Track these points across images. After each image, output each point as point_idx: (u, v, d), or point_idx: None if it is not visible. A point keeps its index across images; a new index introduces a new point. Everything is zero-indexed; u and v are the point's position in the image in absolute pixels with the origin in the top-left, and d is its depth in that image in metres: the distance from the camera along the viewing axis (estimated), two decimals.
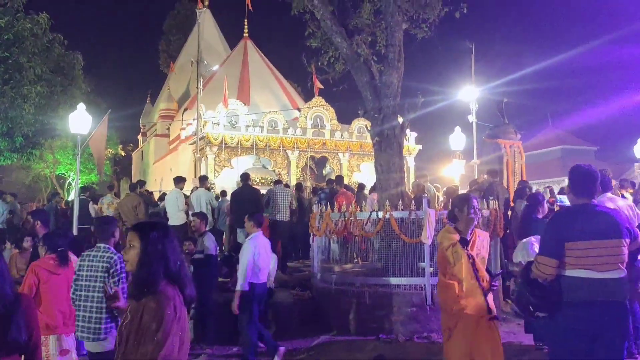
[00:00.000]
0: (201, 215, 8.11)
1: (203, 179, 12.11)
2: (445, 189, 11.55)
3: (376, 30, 9.33)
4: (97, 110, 11.84)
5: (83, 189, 11.84)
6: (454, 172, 17.28)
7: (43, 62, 12.53)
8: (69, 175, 24.69)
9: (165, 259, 2.74)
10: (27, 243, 8.13)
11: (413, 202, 8.18)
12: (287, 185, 13.19)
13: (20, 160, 14.61)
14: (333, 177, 18.03)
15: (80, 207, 10.76)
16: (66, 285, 5.03)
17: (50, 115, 12.79)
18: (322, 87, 20.38)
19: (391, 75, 8.79)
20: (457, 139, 16.34)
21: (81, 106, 11.49)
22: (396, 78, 8.85)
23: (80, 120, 11.42)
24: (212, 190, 13.45)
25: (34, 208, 12.86)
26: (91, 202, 11.85)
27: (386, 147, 8.85)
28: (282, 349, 6.65)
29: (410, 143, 22.02)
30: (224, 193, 13.19)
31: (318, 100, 21.76)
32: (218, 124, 20.33)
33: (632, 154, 17.86)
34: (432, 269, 7.42)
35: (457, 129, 16.20)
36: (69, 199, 17.07)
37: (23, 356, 3.08)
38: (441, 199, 10.65)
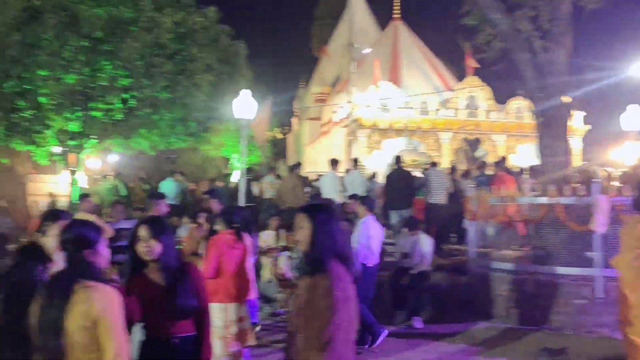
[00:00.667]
0: (356, 197, 8.31)
1: (356, 162, 12.35)
2: (621, 173, 10.55)
3: (539, 4, 8.71)
4: (258, 95, 12.55)
5: (247, 170, 12.69)
6: (626, 155, 15.69)
7: (212, 52, 13.62)
8: (232, 157, 26.56)
9: (333, 239, 2.87)
10: (201, 219, 8.96)
11: (580, 186, 7.61)
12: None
13: (193, 144, 16.08)
14: (486, 160, 17.39)
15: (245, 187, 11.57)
16: (242, 258, 5.49)
17: (218, 101, 13.86)
18: (477, 66, 19.59)
19: (556, 52, 8.19)
20: (630, 119, 14.79)
21: (245, 92, 12.28)
22: (562, 54, 8.24)
23: (244, 106, 12.23)
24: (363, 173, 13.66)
25: (206, 187, 14.06)
26: (254, 182, 12.67)
27: (550, 128, 8.32)
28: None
29: (578, 123, 20.37)
30: (374, 175, 13.34)
31: (472, 79, 20.97)
32: (369, 107, 20.51)
33: None
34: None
35: (631, 107, 14.63)
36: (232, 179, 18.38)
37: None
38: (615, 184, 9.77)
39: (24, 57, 11.71)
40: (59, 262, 2.89)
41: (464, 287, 8.53)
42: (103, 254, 2.95)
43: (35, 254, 3.41)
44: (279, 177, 13.14)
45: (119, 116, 12.73)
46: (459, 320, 7.69)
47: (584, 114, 20.45)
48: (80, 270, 2.77)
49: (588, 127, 20.81)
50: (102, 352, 2.70)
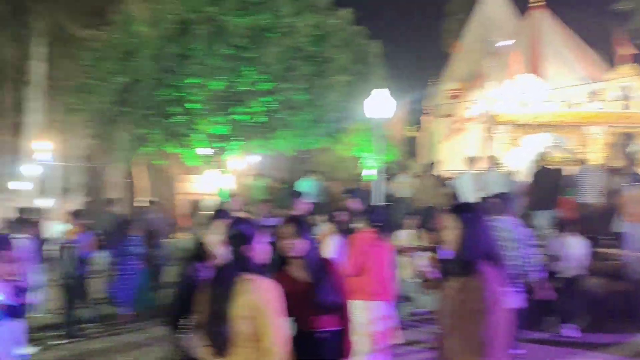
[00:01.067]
0: (502, 196, 7.92)
1: (494, 160, 11.86)
2: None
3: None
4: (391, 95, 12.52)
5: (384, 170, 12.71)
6: None
7: (347, 53, 13.84)
8: (363, 156, 26.77)
9: (483, 239, 2.78)
10: (340, 217, 9.12)
11: None
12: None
13: (328, 144, 16.46)
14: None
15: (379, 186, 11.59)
16: (384, 257, 5.49)
17: (352, 102, 14.05)
18: (631, 52, 17.88)
19: None
20: None
21: (378, 91, 12.30)
22: None
23: (377, 105, 12.25)
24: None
25: (340, 187, 14.28)
26: (387, 181, 12.65)
27: None
28: None
29: None
30: (514, 174, 12.71)
31: (624, 68, 19.17)
32: (507, 101, 19.56)
33: None
34: None
35: None
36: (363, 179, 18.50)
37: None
38: None
39: (176, 67, 12.73)
40: (221, 257, 3.08)
41: (621, 294, 7.84)
42: (260, 250, 3.10)
43: (197, 252, 3.73)
44: (413, 175, 13.01)
45: (261, 119, 13.40)
46: (615, 331, 7.13)
47: None
48: (241, 264, 2.94)
49: None
50: (263, 342, 2.83)
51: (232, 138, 13.88)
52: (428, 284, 7.62)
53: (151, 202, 13.95)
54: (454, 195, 10.89)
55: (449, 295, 2.86)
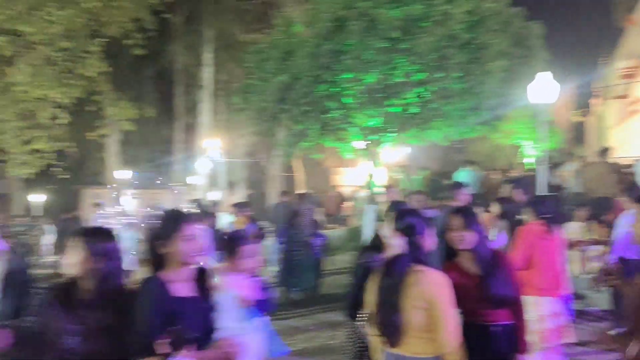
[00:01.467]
0: None
1: None
2: None
3: None
4: (556, 77, 11.68)
5: (548, 158, 11.96)
6: None
7: (504, 38, 13.16)
8: (523, 144, 25.35)
9: None
10: (495, 208, 8.74)
11: None
12: None
13: (485, 132, 15.85)
14: None
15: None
16: (554, 251, 5.18)
17: (512, 87, 13.36)
18: None
19: None
20: None
21: (542, 75, 11.56)
22: None
23: (541, 90, 11.53)
24: None
25: (499, 176, 13.70)
26: (551, 170, 11.87)
27: None
28: None
29: None
30: None
31: None
32: None
33: None
34: None
35: None
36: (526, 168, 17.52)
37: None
38: None
39: (332, 63, 13.10)
40: (394, 248, 3.15)
41: None
42: (429, 241, 3.12)
43: (375, 243, 3.85)
44: (581, 163, 12.05)
45: (415, 110, 13.29)
46: None
47: None
48: (413, 255, 2.98)
49: None
50: (435, 333, 2.85)
51: (386, 130, 13.96)
52: (608, 279, 7.08)
53: (302, 194, 14.57)
54: (633, 184, 9.90)
55: (633, 293, 2.65)
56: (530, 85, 11.78)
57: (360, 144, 14.77)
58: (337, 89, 13.37)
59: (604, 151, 11.60)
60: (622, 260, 6.19)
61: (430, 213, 7.21)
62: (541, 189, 10.84)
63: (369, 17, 12.71)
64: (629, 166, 12.08)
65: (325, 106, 13.73)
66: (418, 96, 13.10)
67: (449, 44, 12.79)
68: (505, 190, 8.97)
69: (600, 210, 9.89)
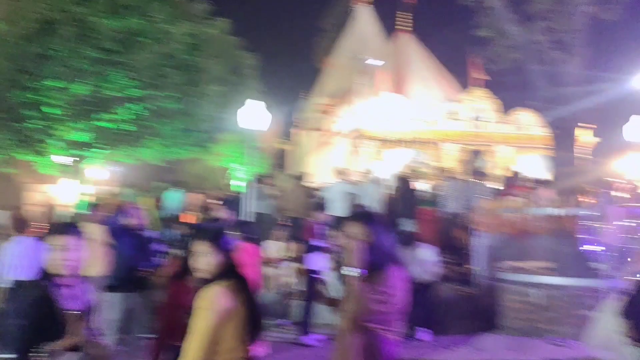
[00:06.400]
0: (364, 208, 8.39)
1: (368, 172, 12.40)
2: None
3: (555, 16, 8.81)
4: (266, 106, 12.66)
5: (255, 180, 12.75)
6: (630, 167, 15.76)
7: (221, 64, 13.75)
8: (232, 167, 26.58)
9: (388, 244, 2.91)
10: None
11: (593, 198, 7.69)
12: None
13: (199, 154, 16.17)
14: (485, 171, 17.41)
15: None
16: (254, 268, 5.54)
17: (225, 112, 13.95)
18: (483, 77, 19.76)
19: (571, 63, 8.32)
20: (633, 130, 14.85)
21: (253, 103, 12.36)
22: (576, 66, 8.37)
23: (250, 116, 12.30)
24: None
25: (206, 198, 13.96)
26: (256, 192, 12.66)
27: (563, 140, 8.43)
28: None
29: (587, 136, 20.38)
30: (381, 186, 13.36)
31: (477, 91, 21.10)
32: (373, 118, 20.63)
33: None
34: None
35: (635, 118, 14.69)
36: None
37: None
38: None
39: (34, 68, 11.80)
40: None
41: (471, 298, 8.57)
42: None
43: None
44: (280, 186, 13.15)
45: (128, 127, 12.82)
46: (466, 332, 7.70)
47: (595, 127, 20.39)
48: None
49: (597, 139, 20.77)
50: None
51: (94, 146, 13.10)
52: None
53: None
54: (322, 206, 11.23)
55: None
56: (241, 110, 12.44)
57: (63, 159, 13.53)
58: (39, 97, 12.07)
59: (299, 176, 12.92)
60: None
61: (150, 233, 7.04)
62: (248, 210, 11.51)
63: (83, 24, 11.87)
64: (319, 190, 13.64)
65: (22, 114, 12.24)
66: (132, 113, 12.68)
67: (167, 62, 12.76)
68: (215, 211, 9.26)
69: (297, 230, 10.94)
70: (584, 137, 19.81)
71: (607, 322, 4.76)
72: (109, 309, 5.47)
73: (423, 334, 7.58)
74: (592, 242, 7.08)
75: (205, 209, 12.34)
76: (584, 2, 8.32)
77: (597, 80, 9.23)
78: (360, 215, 3.06)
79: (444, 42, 27.14)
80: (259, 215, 11.12)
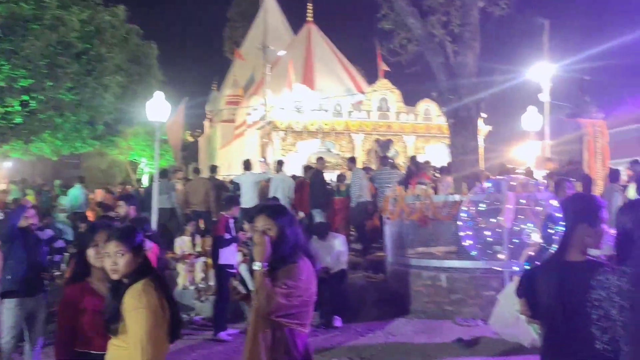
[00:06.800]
0: (275, 200, 8.33)
1: (281, 164, 12.28)
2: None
3: (450, 10, 9.15)
4: (171, 97, 12.18)
5: (161, 174, 12.28)
6: (527, 154, 16.77)
7: (121, 52, 13.09)
8: (141, 161, 25.66)
9: (298, 236, 2.84)
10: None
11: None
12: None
13: (100, 148, 15.38)
14: (397, 160, 17.93)
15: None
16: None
17: (129, 104, 13.35)
18: (388, 69, 20.21)
19: (466, 55, 8.67)
20: (530, 119, 15.79)
21: (158, 94, 11.88)
22: (471, 58, 8.72)
23: (157, 108, 11.81)
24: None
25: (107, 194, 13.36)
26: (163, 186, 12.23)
27: (461, 128, 8.77)
28: None
29: (480, 124, 21.47)
30: (292, 177, 13.36)
31: (383, 82, 21.59)
32: (283, 109, 20.57)
33: None
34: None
35: (531, 108, 15.62)
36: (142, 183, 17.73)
37: None
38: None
39: None
40: None
41: (382, 284, 8.74)
42: None
43: None
44: (187, 180, 12.80)
45: (19, 119, 11.90)
46: (377, 318, 7.83)
47: (485, 115, 21.56)
48: None
49: (489, 127, 22.00)
50: None
51: None
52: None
53: None
54: (234, 199, 11.02)
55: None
56: (148, 103, 11.92)
57: None
58: None
59: (211, 169, 12.61)
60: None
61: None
62: (153, 206, 11.05)
63: None
64: (230, 182, 13.40)
65: None
66: (23, 105, 11.78)
67: (61, 51, 11.94)
68: (120, 208, 8.82)
69: (205, 224, 10.68)
70: (479, 125, 20.86)
71: (508, 302, 4.98)
72: (5, 315, 5.14)
73: (336, 322, 7.63)
74: (491, 228, 7.39)
75: (103, 205, 11.76)
76: None
77: (495, 72, 9.67)
78: (267, 208, 2.95)
79: (350, 33, 27.60)
80: (165, 211, 10.73)
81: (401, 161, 19.24)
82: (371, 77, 23.88)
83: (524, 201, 6.88)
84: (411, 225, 8.88)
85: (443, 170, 11.45)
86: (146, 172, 21.25)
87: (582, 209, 2.62)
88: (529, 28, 18.46)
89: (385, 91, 21.43)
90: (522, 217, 6.75)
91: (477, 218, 7.07)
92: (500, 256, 7.29)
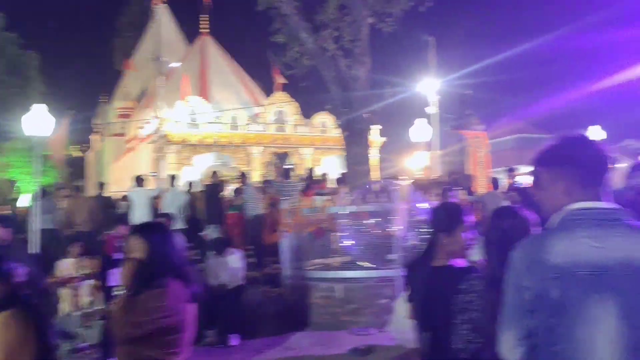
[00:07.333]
0: (168, 216, 8.05)
1: (174, 178, 11.91)
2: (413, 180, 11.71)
3: (342, 25, 9.37)
4: (54, 111, 11.45)
5: (44, 192, 11.46)
6: (417, 164, 17.52)
7: None
8: (18, 179, 23.87)
9: (171, 256, 2.67)
10: None
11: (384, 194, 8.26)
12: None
13: None
14: (294, 172, 18.01)
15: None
16: None
17: (6, 117, 12.36)
18: (285, 82, 20.33)
19: (358, 69, 8.90)
20: (419, 131, 16.53)
21: (38, 107, 11.13)
22: (363, 72, 8.96)
23: (37, 122, 11.07)
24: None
25: None
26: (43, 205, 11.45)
27: (355, 140, 8.97)
28: None
29: (375, 136, 22.16)
30: (186, 192, 12.99)
31: (280, 95, 21.69)
32: (177, 122, 20.02)
33: None
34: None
35: (419, 120, 16.38)
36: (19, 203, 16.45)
37: None
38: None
39: None
40: None
41: (280, 299, 8.65)
42: None
43: None
44: (64, 198, 12.01)
45: None
46: (275, 333, 7.75)
47: (380, 127, 22.30)
48: None
49: (384, 139, 22.75)
50: None
51: None
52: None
53: None
54: (123, 217, 10.50)
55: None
56: (26, 116, 11.14)
57: None
58: None
59: (78, 187, 11.91)
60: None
61: None
62: (37, 225, 10.29)
63: None
64: (121, 199, 12.75)
65: None
66: None
67: None
68: None
69: (91, 244, 10.04)
70: (373, 137, 21.57)
71: (401, 308, 5.11)
72: None
73: (233, 340, 7.45)
74: (387, 235, 7.59)
75: None
76: (366, 14, 8.98)
77: (386, 85, 10.02)
78: (140, 227, 2.79)
79: (245, 45, 27.51)
80: (47, 232, 10.00)
81: (299, 173, 19.37)
82: (269, 90, 23.90)
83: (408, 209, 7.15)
84: (308, 237, 8.91)
85: (339, 181, 11.61)
86: (26, 190, 19.74)
87: (441, 218, 2.79)
88: (417, 45, 19.38)
89: (282, 103, 21.53)
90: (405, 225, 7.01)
91: (361, 226, 7.24)
92: (391, 263, 7.49)
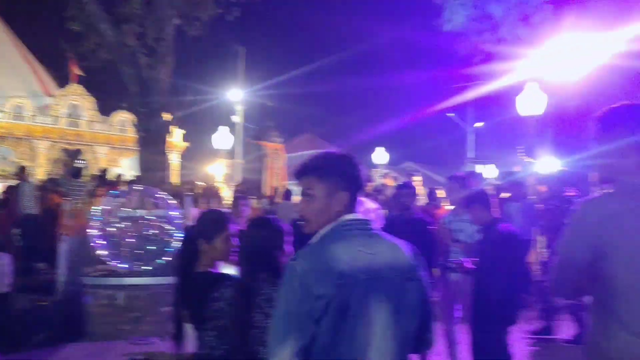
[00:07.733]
0: None
1: None
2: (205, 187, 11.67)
3: (146, 22, 8.96)
4: None
5: None
6: (218, 172, 17.50)
7: None
8: None
9: None
10: None
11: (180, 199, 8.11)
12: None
13: None
14: (86, 172, 16.76)
15: None
16: None
17: None
18: (81, 74, 18.88)
19: (160, 70, 8.61)
20: (221, 139, 16.57)
21: None
22: (165, 74, 8.70)
23: None
24: None
25: None
26: None
27: (151, 144, 8.64)
28: None
29: (177, 140, 21.65)
30: None
31: (75, 87, 20.07)
32: None
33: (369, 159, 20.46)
34: None
35: (222, 128, 16.43)
36: None
37: None
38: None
39: None
40: None
41: (54, 307, 7.95)
42: None
43: None
44: None
45: None
46: (47, 345, 7.12)
47: (184, 131, 21.92)
48: None
49: (187, 144, 22.39)
50: None
51: None
52: None
53: None
54: None
55: None
56: None
57: None
58: None
59: None
60: None
61: None
62: None
63: None
64: None
65: None
66: None
67: None
68: None
69: None
70: (176, 140, 21.14)
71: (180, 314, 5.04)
72: None
73: None
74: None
75: None
76: (172, 14, 8.75)
77: (191, 90, 9.86)
78: None
79: (40, 30, 24.99)
80: None
81: (91, 173, 18.12)
82: (63, 81, 21.97)
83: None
84: (91, 241, 8.32)
85: (133, 183, 11.11)
86: None
87: (204, 225, 2.89)
88: (228, 53, 19.46)
89: (77, 97, 19.97)
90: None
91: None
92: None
